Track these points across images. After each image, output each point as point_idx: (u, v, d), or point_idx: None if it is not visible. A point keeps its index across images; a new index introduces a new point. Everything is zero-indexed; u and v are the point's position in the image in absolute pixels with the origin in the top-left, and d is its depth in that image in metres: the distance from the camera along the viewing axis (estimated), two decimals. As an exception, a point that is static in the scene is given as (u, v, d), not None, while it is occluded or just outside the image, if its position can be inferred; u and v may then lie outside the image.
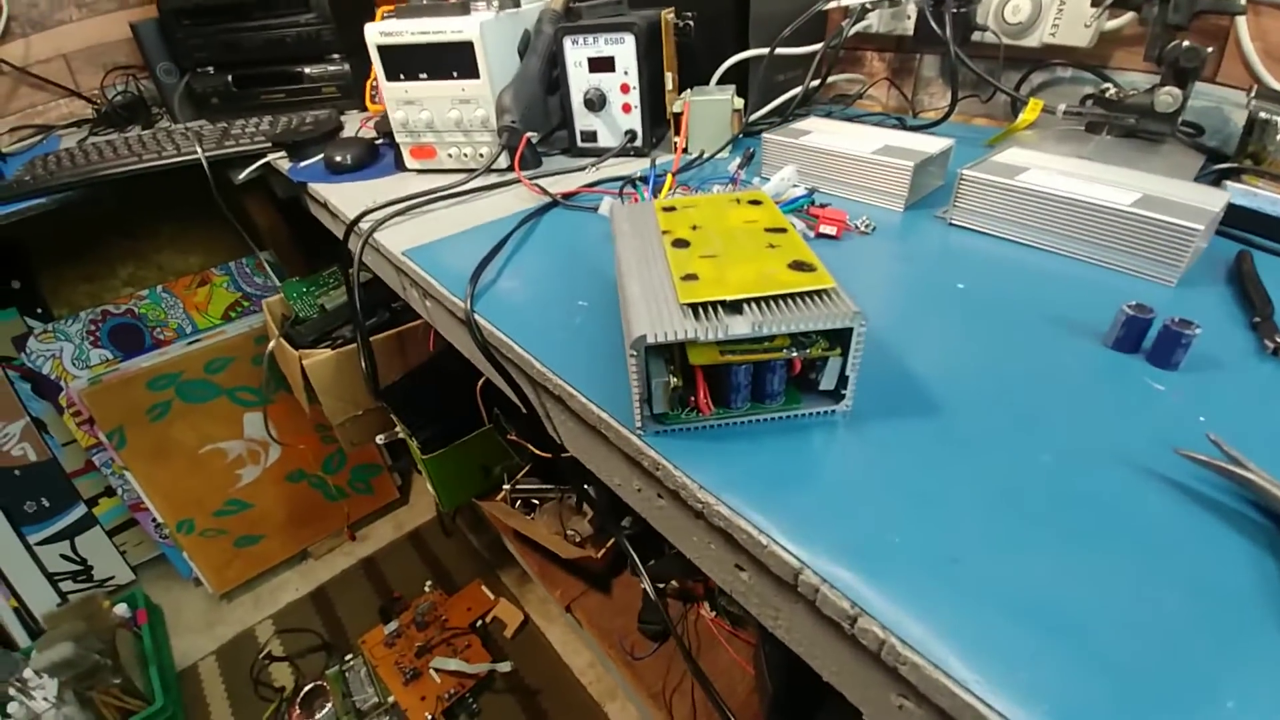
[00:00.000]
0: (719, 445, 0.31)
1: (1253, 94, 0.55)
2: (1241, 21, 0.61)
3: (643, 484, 0.35)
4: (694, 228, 0.36)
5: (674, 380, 0.30)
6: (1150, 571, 0.24)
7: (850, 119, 0.79)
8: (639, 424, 0.32)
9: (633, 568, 0.69)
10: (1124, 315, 0.34)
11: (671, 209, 0.39)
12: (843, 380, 0.31)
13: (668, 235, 0.35)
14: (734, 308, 0.29)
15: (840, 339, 0.30)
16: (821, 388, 0.31)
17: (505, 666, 1.20)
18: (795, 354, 0.30)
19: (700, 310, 0.29)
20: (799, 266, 0.31)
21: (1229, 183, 0.54)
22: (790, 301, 0.29)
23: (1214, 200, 0.43)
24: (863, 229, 0.51)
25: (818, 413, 0.32)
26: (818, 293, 0.29)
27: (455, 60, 0.67)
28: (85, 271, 1.34)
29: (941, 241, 0.50)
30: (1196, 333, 0.32)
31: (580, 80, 0.71)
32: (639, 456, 0.33)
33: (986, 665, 0.21)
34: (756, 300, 0.29)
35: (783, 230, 0.35)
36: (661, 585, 0.85)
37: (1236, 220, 0.50)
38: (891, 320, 0.40)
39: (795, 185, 0.52)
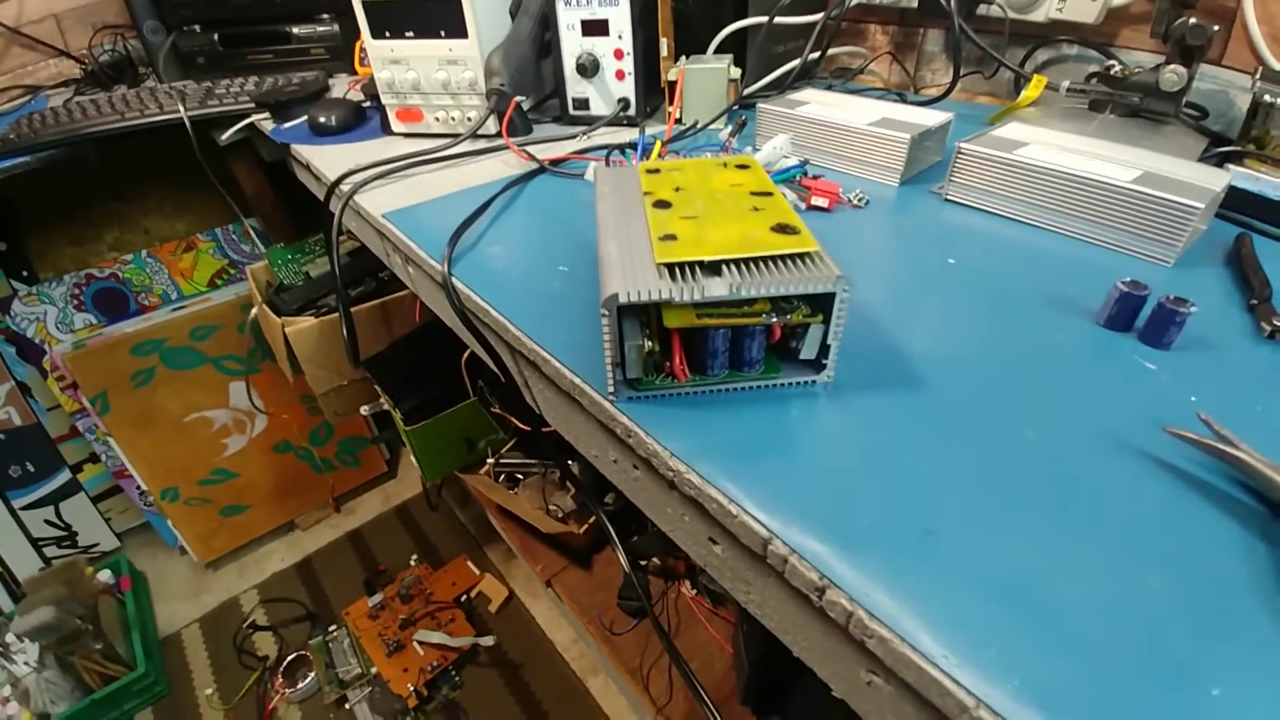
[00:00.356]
0: (694, 413, 0.30)
1: (1258, 76, 0.54)
2: (1248, 3, 0.60)
3: (618, 454, 0.34)
4: (677, 189, 0.35)
5: (648, 344, 0.29)
6: (1133, 552, 0.23)
7: (850, 93, 0.77)
8: (611, 389, 0.30)
9: (612, 544, 0.69)
10: (1118, 292, 0.33)
11: (655, 171, 0.38)
12: (824, 349, 0.30)
13: (649, 196, 0.34)
14: (712, 269, 0.28)
15: (822, 305, 0.28)
16: (802, 357, 0.30)
17: (488, 640, 1.20)
18: (775, 319, 0.28)
19: (677, 270, 0.28)
20: (782, 229, 0.29)
21: (1231, 166, 0.53)
22: (771, 264, 0.28)
23: (1216, 180, 0.42)
24: (855, 202, 0.49)
25: (798, 383, 0.31)
26: (800, 256, 0.28)
27: (442, 18, 0.65)
28: (72, 234, 1.32)
29: (935, 217, 0.48)
30: (1192, 311, 0.31)
31: (573, 44, 0.69)
32: (612, 424, 0.31)
33: (956, 640, 0.20)
34: (736, 262, 0.28)
35: (768, 194, 0.33)
36: (644, 562, 0.85)
37: (1237, 204, 0.49)
38: (879, 293, 0.39)
39: (788, 155, 0.51)
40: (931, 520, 0.24)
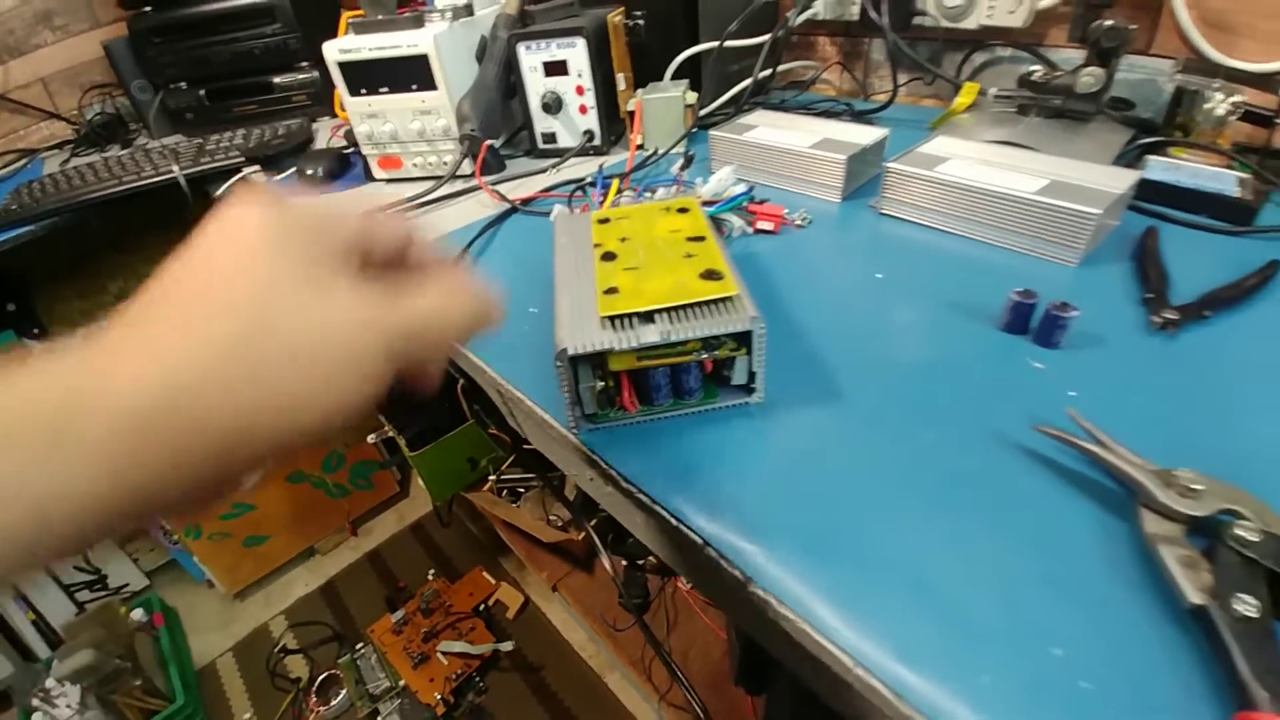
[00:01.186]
0: (645, 439, 0.35)
1: (1179, 67, 0.58)
2: None
3: (592, 474, 0.39)
4: (623, 239, 0.39)
5: (600, 384, 0.34)
6: (1003, 534, 0.28)
7: (804, 105, 0.81)
8: (572, 424, 0.35)
9: (600, 554, 0.74)
10: (1011, 301, 0.37)
11: (606, 221, 0.42)
12: (752, 375, 0.34)
13: (599, 248, 0.39)
14: (647, 317, 0.32)
15: (746, 339, 0.33)
16: (734, 383, 0.35)
17: (508, 646, 1.25)
18: (705, 356, 0.33)
19: (617, 321, 0.32)
20: (710, 275, 0.34)
21: (1151, 157, 0.57)
22: (699, 309, 0.32)
23: (1119, 183, 0.46)
24: (799, 223, 0.54)
25: (734, 405, 0.35)
26: (723, 300, 0.33)
27: (413, 73, 0.69)
28: (78, 288, 1.38)
29: (871, 231, 0.53)
30: (1074, 315, 0.36)
31: (536, 84, 0.74)
32: (577, 450, 0.36)
33: (849, 615, 0.25)
34: (669, 310, 0.32)
35: (701, 239, 0.38)
36: (640, 561, 0.90)
37: (1154, 195, 0.53)
38: (812, 312, 0.43)
39: (734, 184, 0.55)
40: (839, 517, 0.29)
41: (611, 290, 0.34)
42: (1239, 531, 0.25)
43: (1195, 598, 0.24)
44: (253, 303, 0.19)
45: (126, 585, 1.50)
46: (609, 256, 0.38)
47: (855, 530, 0.28)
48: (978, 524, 0.28)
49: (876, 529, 0.28)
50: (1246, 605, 0.23)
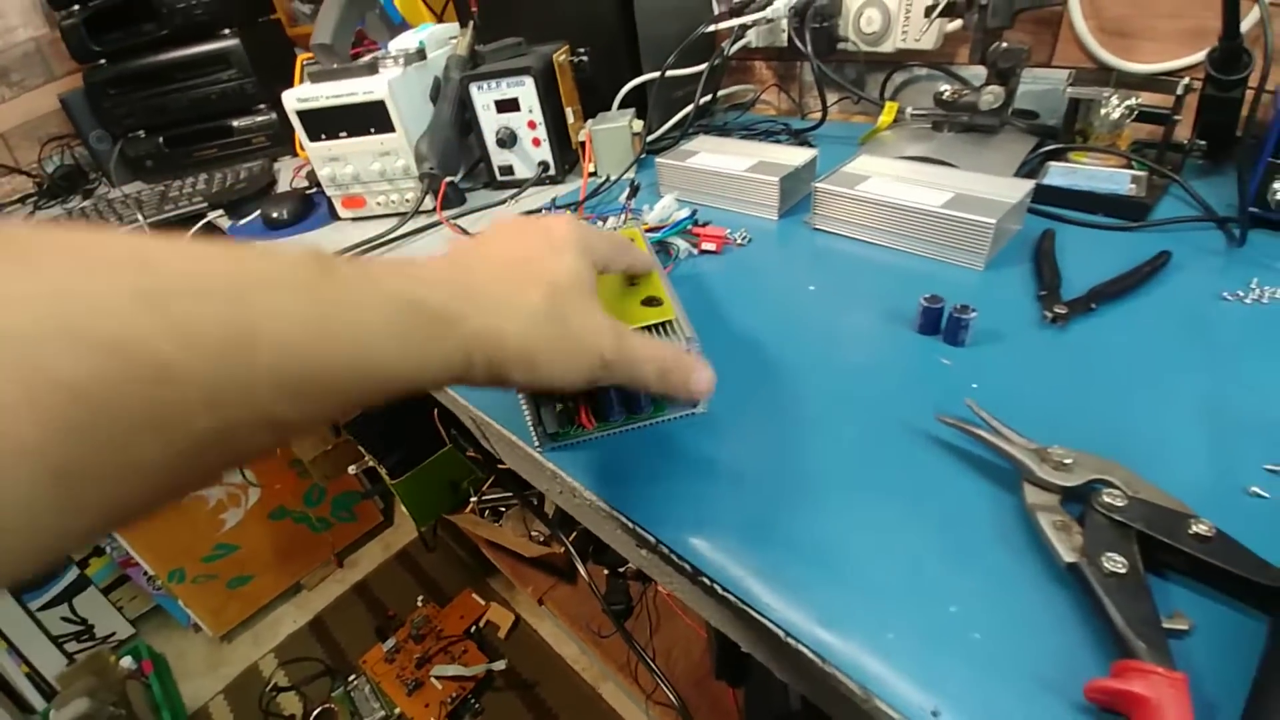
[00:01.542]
0: (602, 453, 0.38)
1: (1070, 80, 0.63)
2: (1074, 4, 0.69)
3: (560, 488, 0.42)
4: None
5: (559, 405, 0.38)
6: (909, 513, 0.32)
7: (745, 126, 0.87)
8: (537, 442, 0.39)
9: (578, 567, 0.77)
10: (921, 306, 0.42)
11: None
12: (694, 389, 0.38)
13: None
14: (595, 343, 0.36)
15: (685, 357, 0.37)
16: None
17: (500, 665, 1.27)
18: (649, 373, 0.37)
19: (568, 348, 0.36)
20: (650, 302, 0.38)
21: (1053, 163, 0.63)
22: (642, 333, 0.36)
23: (1015, 192, 0.51)
24: (740, 241, 0.58)
25: (681, 416, 0.39)
26: (663, 324, 0.37)
27: (370, 118, 0.73)
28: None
29: (805, 246, 0.57)
30: (973, 316, 0.40)
31: (490, 121, 0.78)
32: (544, 468, 0.40)
33: (782, 593, 0.29)
34: (613, 334, 0.36)
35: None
36: (620, 569, 0.93)
37: (1054, 199, 0.58)
38: (752, 325, 0.47)
39: (679, 208, 0.59)
40: (772, 508, 0.33)
41: None
42: (1106, 498, 0.30)
43: (1068, 557, 0.28)
44: (558, 289, 0.27)
45: (114, 634, 1.49)
46: None
47: (786, 518, 0.32)
48: (888, 505, 0.32)
49: (803, 516, 0.32)
50: (1114, 562, 0.27)
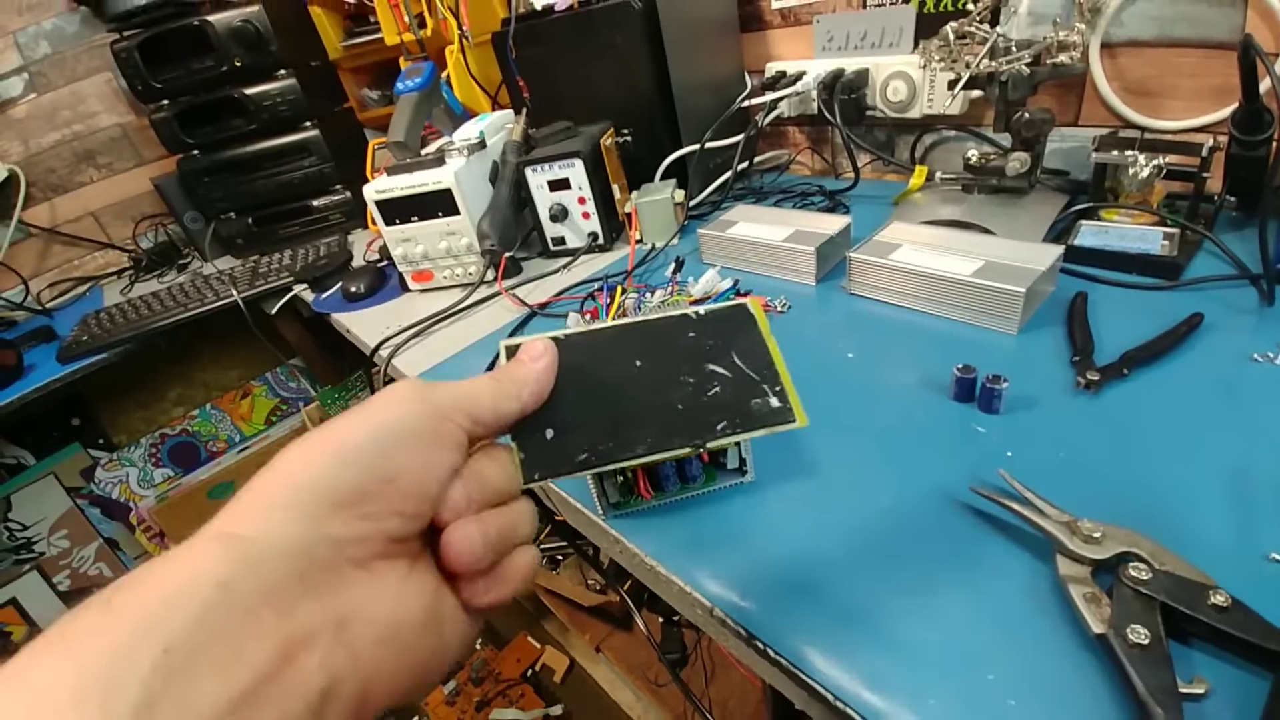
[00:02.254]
0: (660, 520, 0.42)
1: (1094, 145, 0.66)
2: (1096, 68, 0.71)
3: (620, 549, 0.47)
4: None
5: (620, 478, 0.42)
6: (947, 581, 0.34)
7: (780, 189, 0.91)
8: (601, 511, 0.43)
9: (634, 618, 0.80)
10: (954, 376, 0.45)
11: None
12: (742, 460, 0.42)
13: None
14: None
15: (734, 433, 0.41)
16: (729, 467, 0.43)
17: (558, 710, 1.29)
18: (702, 449, 0.41)
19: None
20: None
21: (1084, 222, 0.65)
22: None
23: (1045, 258, 0.54)
24: (780, 309, 0.62)
25: (731, 485, 0.43)
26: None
27: (438, 203, 0.81)
28: (138, 399, 1.51)
29: (843, 311, 0.61)
30: (1004, 385, 0.43)
31: (544, 199, 0.85)
32: (606, 533, 0.44)
33: (828, 658, 0.32)
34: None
35: None
36: (675, 618, 0.95)
37: (1086, 259, 0.60)
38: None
39: (722, 280, 0.64)
40: (817, 573, 0.36)
41: None
42: (1133, 572, 0.32)
43: (1097, 628, 0.30)
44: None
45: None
46: None
47: (830, 583, 0.35)
48: (926, 572, 0.35)
49: (846, 581, 0.35)
50: (1138, 634, 0.29)
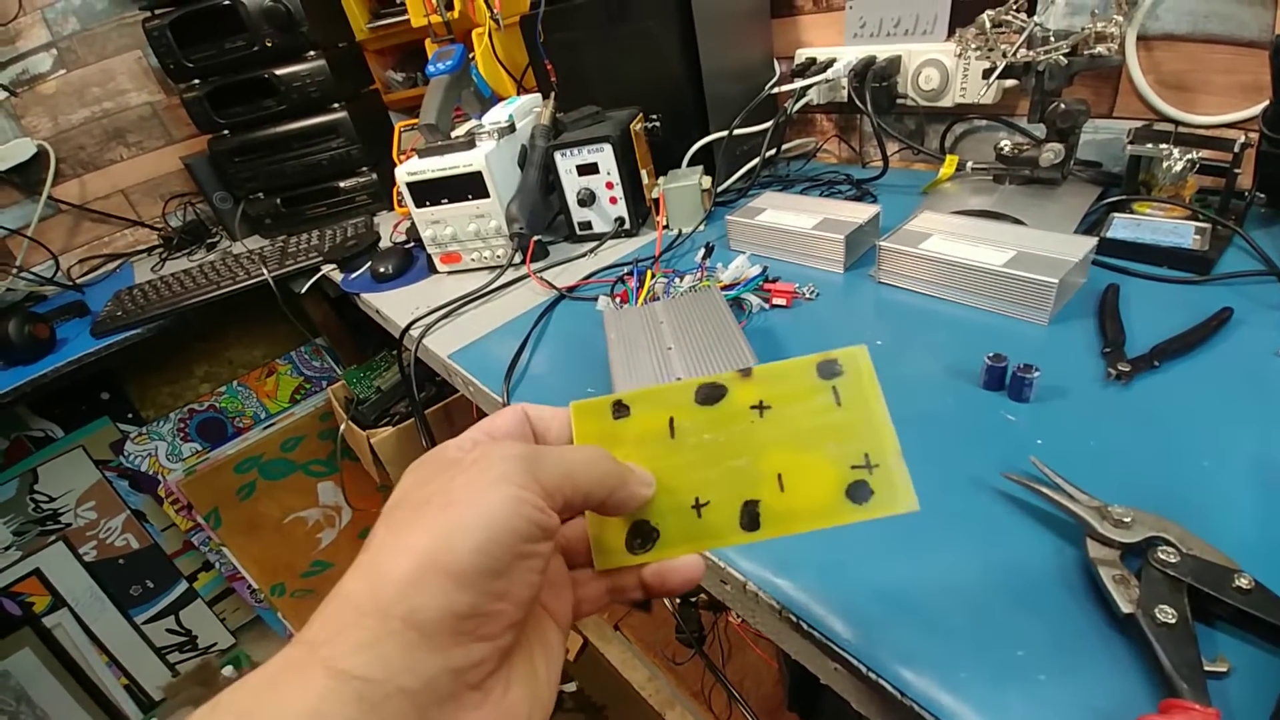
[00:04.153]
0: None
1: (1129, 138, 0.65)
2: (1132, 60, 0.71)
3: (649, 527, 0.48)
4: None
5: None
6: (979, 562, 0.35)
7: (808, 176, 0.91)
8: (636, 489, 0.44)
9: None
10: (985, 364, 0.46)
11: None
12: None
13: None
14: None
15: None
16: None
17: (571, 686, 1.32)
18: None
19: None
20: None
21: (1117, 215, 0.65)
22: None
23: (1078, 250, 0.54)
24: (808, 296, 0.63)
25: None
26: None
27: (469, 186, 0.82)
28: (166, 375, 1.54)
29: (871, 299, 0.61)
30: (1035, 375, 0.44)
31: (572, 183, 0.85)
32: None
33: (859, 631, 0.33)
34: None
35: None
36: (693, 599, 0.97)
37: (1119, 251, 0.60)
38: (824, 380, 0.52)
39: (751, 266, 0.65)
40: (845, 555, 0.37)
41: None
42: (1161, 555, 0.33)
43: (1126, 608, 0.31)
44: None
45: (215, 645, 1.62)
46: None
47: (862, 562, 0.36)
48: (958, 553, 0.36)
49: (878, 560, 0.36)
50: (1166, 614, 0.30)
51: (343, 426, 1.19)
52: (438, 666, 0.18)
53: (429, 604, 0.18)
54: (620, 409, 0.26)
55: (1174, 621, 0.30)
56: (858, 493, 0.25)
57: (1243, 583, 0.30)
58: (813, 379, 0.27)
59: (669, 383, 0.31)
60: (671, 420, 0.26)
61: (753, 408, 0.26)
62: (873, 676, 0.32)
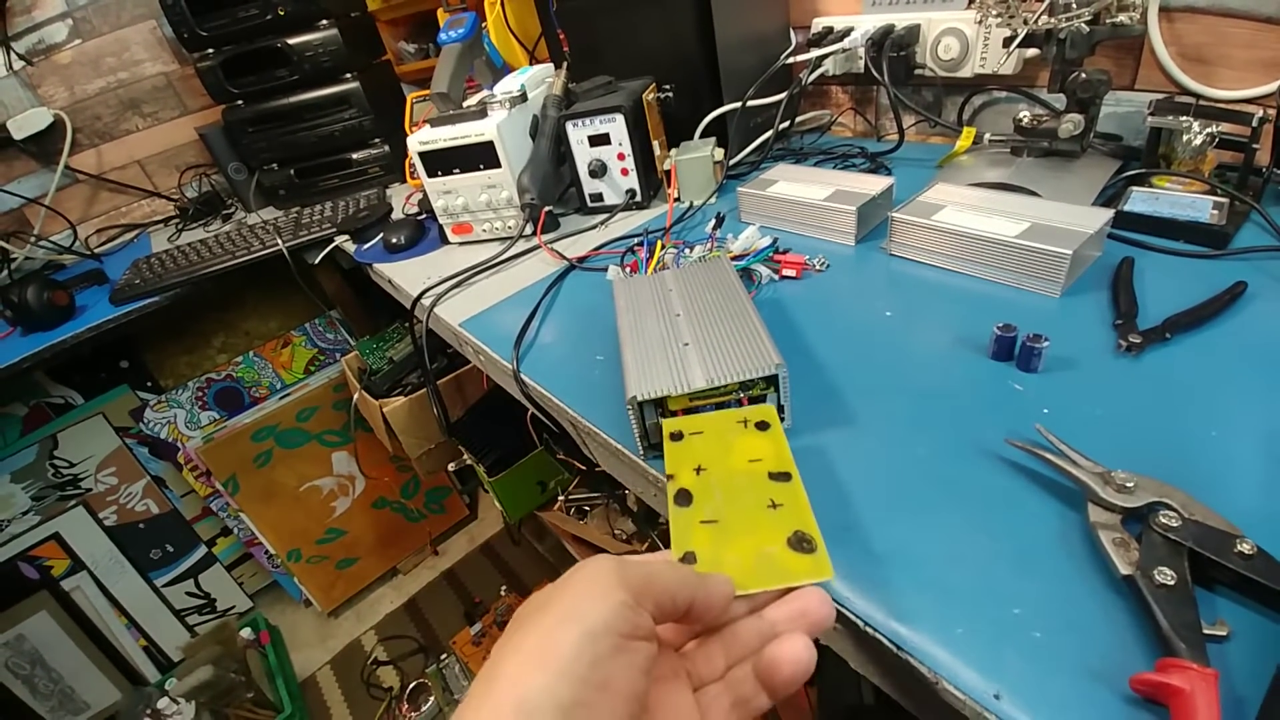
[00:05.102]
0: (699, 462, 0.44)
1: (1151, 109, 0.64)
2: (1154, 31, 0.69)
3: (655, 490, 0.49)
4: (699, 470, 0.36)
5: (661, 420, 0.44)
6: (979, 525, 0.36)
7: (822, 149, 0.90)
8: (641, 452, 0.45)
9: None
10: (994, 334, 0.46)
11: (679, 436, 0.39)
12: (781, 408, 0.43)
13: (673, 481, 0.35)
14: (695, 365, 0.42)
15: (774, 380, 0.42)
16: (767, 414, 0.44)
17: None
18: (742, 394, 0.42)
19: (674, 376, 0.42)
20: (801, 544, 0.30)
21: (1135, 189, 0.64)
22: (733, 356, 0.42)
23: (1093, 222, 0.53)
24: (819, 267, 0.63)
25: (768, 432, 0.44)
26: (754, 348, 0.42)
27: (480, 156, 0.82)
28: (184, 344, 1.56)
29: (882, 271, 0.61)
30: (1045, 344, 0.44)
31: (583, 154, 0.85)
32: (645, 473, 0.46)
33: (859, 590, 0.34)
34: (711, 359, 0.42)
35: (787, 477, 0.34)
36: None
37: (1136, 225, 0.59)
38: (831, 347, 0.52)
39: (761, 237, 0.65)
40: (850, 519, 0.38)
41: (688, 557, 0.30)
42: (1163, 519, 0.33)
43: (1125, 570, 0.32)
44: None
45: (233, 608, 1.67)
46: (684, 497, 0.34)
47: (864, 523, 0.37)
48: (959, 516, 0.36)
49: (880, 522, 0.37)
50: (1165, 575, 0.30)
51: (356, 396, 1.21)
52: None
53: (538, 693, 0.20)
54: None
55: (1173, 583, 0.30)
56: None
57: (1245, 548, 0.30)
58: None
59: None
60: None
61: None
62: (870, 632, 0.32)
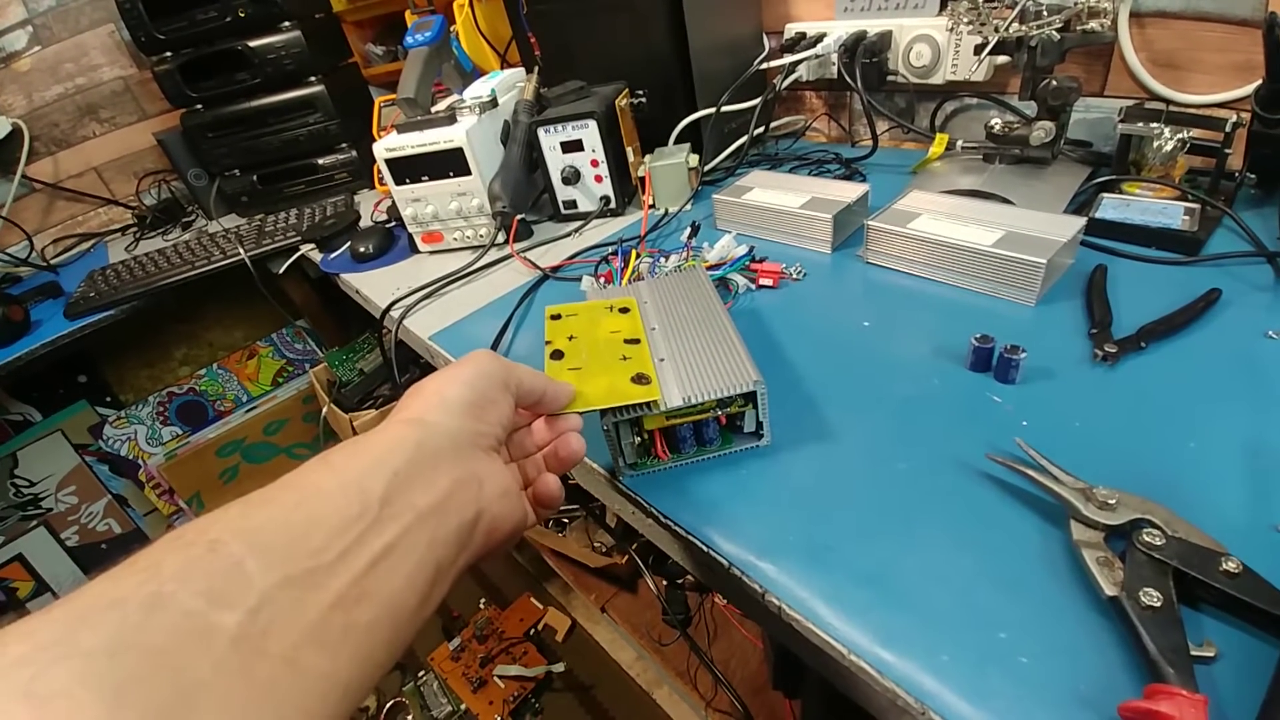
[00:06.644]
0: (676, 481, 0.43)
1: (1120, 116, 0.64)
2: (1125, 37, 0.70)
3: (634, 509, 0.47)
4: (570, 338, 0.44)
5: (638, 440, 0.42)
6: (961, 543, 0.35)
7: (796, 155, 0.90)
8: (619, 471, 0.44)
9: (643, 576, 0.81)
10: (971, 345, 0.45)
11: (558, 317, 0.47)
12: (759, 424, 0.42)
13: (549, 345, 0.43)
14: (673, 386, 0.41)
15: (752, 397, 0.41)
16: (745, 430, 0.43)
17: (559, 667, 1.33)
18: (720, 412, 0.41)
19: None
20: (639, 379, 0.39)
21: (1106, 195, 0.64)
22: (712, 374, 0.41)
23: (1066, 230, 0.53)
24: (795, 276, 0.62)
25: (747, 448, 0.43)
26: (732, 365, 0.41)
27: (449, 163, 0.80)
28: (145, 358, 1.51)
29: (859, 279, 0.61)
30: (1022, 356, 0.43)
31: (556, 161, 0.83)
32: (623, 493, 0.45)
33: (842, 616, 0.33)
34: (690, 378, 0.41)
35: (637, 341, 0.43)
36: (680, 580, 0.97)
37: (1107, 232, 0.60)
38: (809, 360, 0.51)
39: (737, 246, 0.64)
40: (829, 537, 0.37)
41: None
42: (1146, 537, 0.32)
43: (1110, 591, 0.31)
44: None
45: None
46: (557, 355, 0.42)
47: (845, 544, 0.36)
48: (941, 535, 0.36)
49: (861, 542, 0.36)
50: (1151, 597, 0.30)
51: (325, 409, 1.18)
52: (462, 426, 0.30)
53: (454, 394, 0.31)
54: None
55: (1159, 605, 0.29)
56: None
57: (1230, 566, 0.30)
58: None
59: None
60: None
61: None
62: (854, 660, 0.31)
